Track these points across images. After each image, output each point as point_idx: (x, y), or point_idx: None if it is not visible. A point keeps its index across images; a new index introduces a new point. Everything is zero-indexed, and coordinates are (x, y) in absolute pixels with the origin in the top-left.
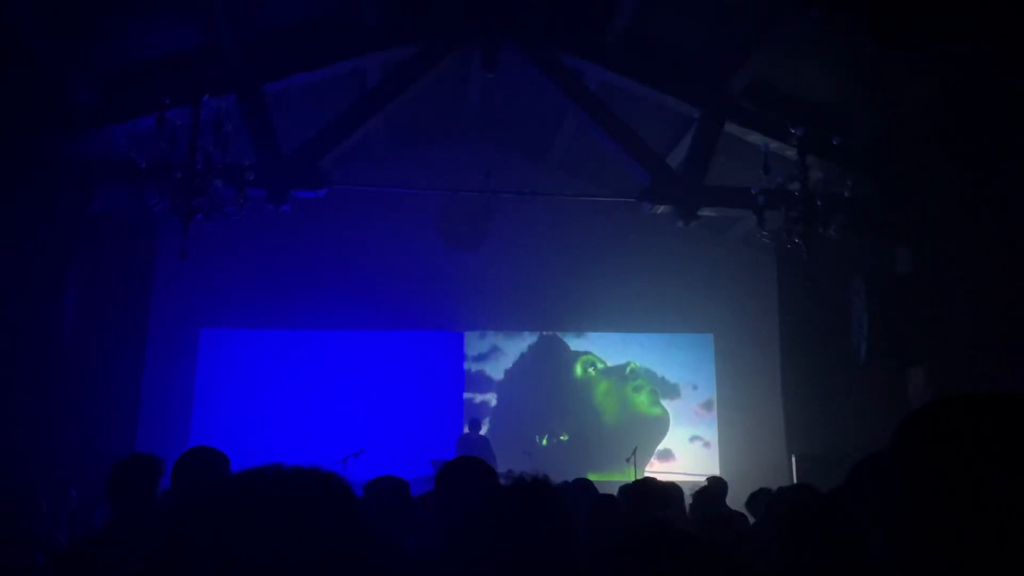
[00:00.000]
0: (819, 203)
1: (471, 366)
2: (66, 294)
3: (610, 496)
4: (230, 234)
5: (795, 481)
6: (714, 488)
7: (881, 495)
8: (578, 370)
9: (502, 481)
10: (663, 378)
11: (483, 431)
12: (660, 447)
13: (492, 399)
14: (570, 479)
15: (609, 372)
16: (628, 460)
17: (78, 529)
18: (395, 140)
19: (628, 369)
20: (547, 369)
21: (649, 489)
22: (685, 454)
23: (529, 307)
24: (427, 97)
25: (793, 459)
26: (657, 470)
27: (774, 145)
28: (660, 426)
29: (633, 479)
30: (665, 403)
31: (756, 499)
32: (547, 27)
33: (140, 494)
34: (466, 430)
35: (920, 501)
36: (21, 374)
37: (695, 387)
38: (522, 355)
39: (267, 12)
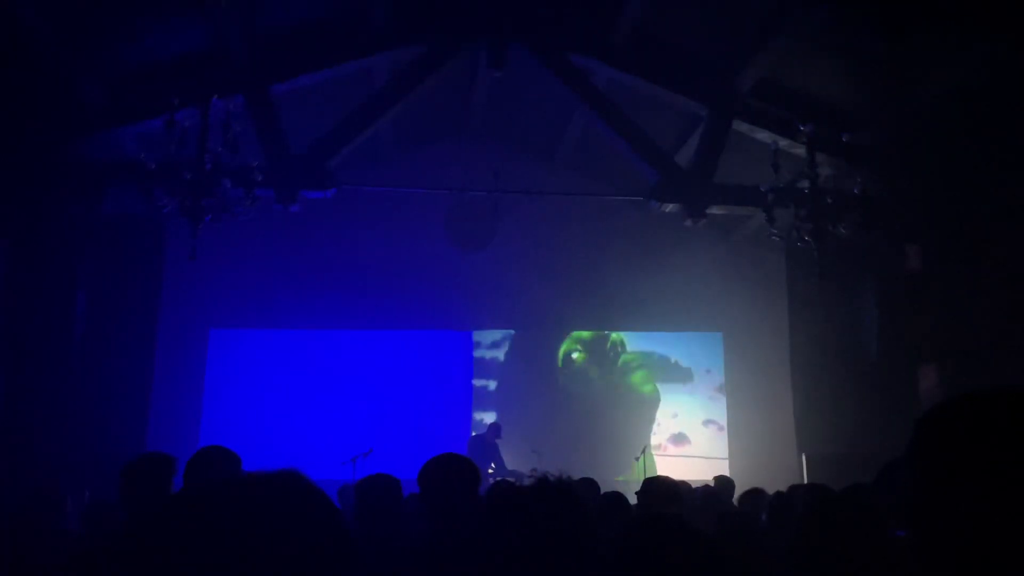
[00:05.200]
0: (829, 201)
1: (483, 353)
2: (76, 295)
3: (618, 493)
4: (239, 235)
5: (805, 480)
6: (721, 487)
7: (904, 493)
8: (563, 355)
9: (526, 481)
10: (676, 363)
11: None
12: (675, 431)
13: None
14: (567, 470)
15: (592, 349)
16: (636, 459)
17: (91, 529)
18: (402, 140)
19: (608, 343)
20: (532, 359)
21: (660, 486)
22: (700, 438)
23: (538, 306)
24: (434, 97)
25: (803, 457)
26: (672, 454)
27: (783, 143)
28: (652, 404)
29: (642, 476)
30: (678, 387)
31: (749, 498)
32: (554, 26)
33: (154, 493)
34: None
35: (942, 498)
36: (32, 375)
37: (708, 371)
38: (510, 346)
39: (274, 13)
